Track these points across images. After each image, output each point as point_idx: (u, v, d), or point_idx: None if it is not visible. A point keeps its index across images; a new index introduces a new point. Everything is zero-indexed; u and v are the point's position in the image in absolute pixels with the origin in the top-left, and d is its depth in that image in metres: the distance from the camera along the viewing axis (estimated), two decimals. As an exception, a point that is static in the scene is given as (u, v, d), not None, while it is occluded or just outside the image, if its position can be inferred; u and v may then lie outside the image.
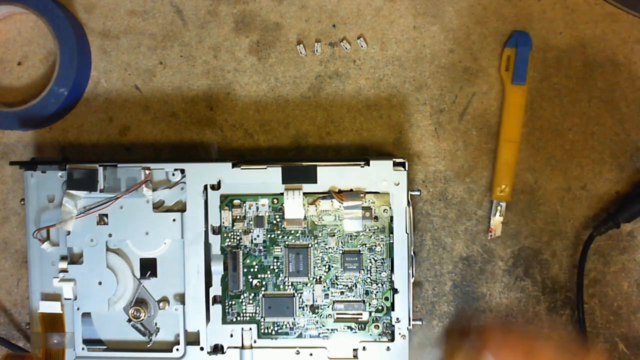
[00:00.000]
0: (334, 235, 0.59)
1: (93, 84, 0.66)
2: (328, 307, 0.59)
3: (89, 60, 0.65)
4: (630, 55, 0.63)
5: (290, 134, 0.65)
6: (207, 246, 0.59)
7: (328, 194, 0.59)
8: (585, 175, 0.64)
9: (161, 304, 0.60)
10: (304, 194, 0.59)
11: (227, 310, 0.59)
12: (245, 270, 0.59)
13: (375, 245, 0.59)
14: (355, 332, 0.59)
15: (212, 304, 0.59)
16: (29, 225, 0.60)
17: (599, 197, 0.64)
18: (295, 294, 0.59)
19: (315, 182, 0.59)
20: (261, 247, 0.59)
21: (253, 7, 0.65)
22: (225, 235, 0.59)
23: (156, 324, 0.60)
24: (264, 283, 0.59)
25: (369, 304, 0.59)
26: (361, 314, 0.59)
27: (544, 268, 0.64)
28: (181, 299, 0.60)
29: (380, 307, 0.59)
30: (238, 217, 0.59)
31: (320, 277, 0.59)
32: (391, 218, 0.58)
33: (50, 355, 0.60)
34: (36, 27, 0.66)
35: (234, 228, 0.59)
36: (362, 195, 0.58)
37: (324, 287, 0.59)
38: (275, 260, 0.59)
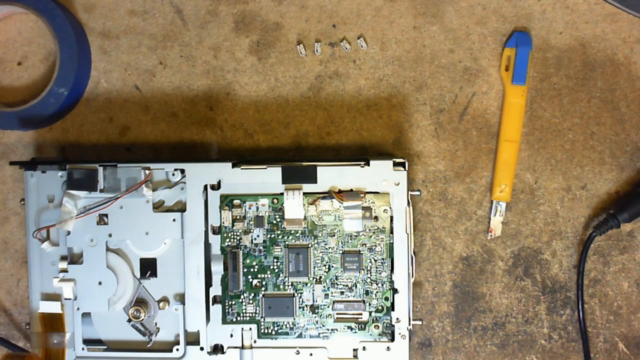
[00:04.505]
0: (334, 235, 0.59)
1: (93, 84, 0.66)
2: (328, 307, 0.59)
3: (89, 60, 0.65)
4: (630, 55, 0.63)
5: (290, 134, 0.65)
6: (207, 246, 0.59)
7: (328, 194, 0.59)
8: (585, 175, 0.64)
9: (161, 304, 0.60)
10: (304, 194, 0.59)
11: (227, 310, 0.59)
12: (245, 270, 0.59)
13: (375, 245, 0.59)
14: (355, 332, 0.59)
15: (212, 304, 0.59)
16: (29, 225, 0.60)
17: (599, 197, 0.64)
18: (295, 294, 0.59)
19: (315, 182, 0.59)
20: (261, 247, 0.59)
21: (253, 7, 0.65)
22: (225, 235, 0.59)
23: (156, 324, 0.60)
24: (264, 283, 0.59)
25: (369, 304, 0.59)
26: (361, 314, 0.59)
27: (544, 268, 0.64)
28: (181, 299, 0.60)
29: (380, 307, 0.59)
30: (238, 217, 0.59)
31: (320, 277, 0.59)
32: (391, 218, 0.58)
33: (50, 355, 0.60)
34: (36, 27, 0.66)
35: (234, 228, 0.59)
36: (362, 195, 0.58)
37: (324, 287, 0.59)
38: (275, 260, 0.59)
